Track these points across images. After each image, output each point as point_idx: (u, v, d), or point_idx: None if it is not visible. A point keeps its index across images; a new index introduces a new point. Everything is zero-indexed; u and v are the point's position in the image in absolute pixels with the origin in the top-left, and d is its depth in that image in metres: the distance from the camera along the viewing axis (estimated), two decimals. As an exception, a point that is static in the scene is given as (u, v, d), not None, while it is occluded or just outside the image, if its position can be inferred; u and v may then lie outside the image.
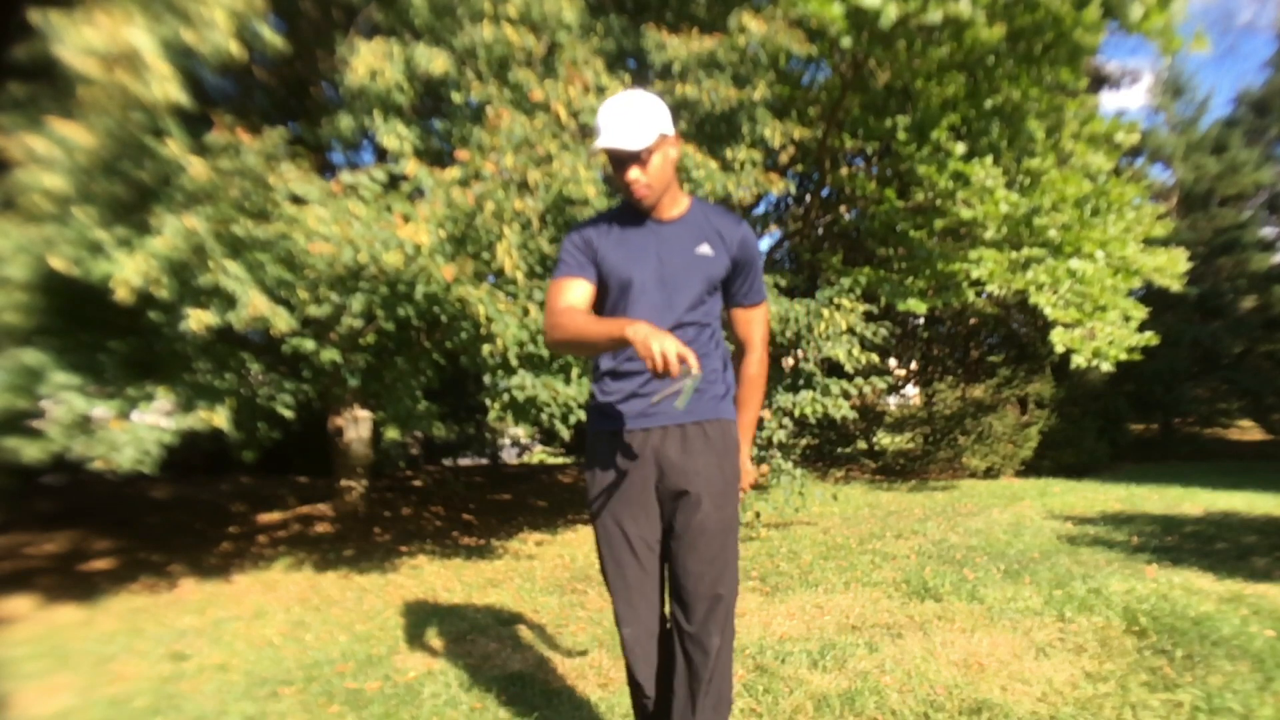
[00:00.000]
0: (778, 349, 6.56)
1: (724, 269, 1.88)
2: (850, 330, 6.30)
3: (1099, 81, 16.15)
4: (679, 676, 1.83)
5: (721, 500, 1.83)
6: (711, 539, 1.81)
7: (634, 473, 1.85)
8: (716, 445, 1.85)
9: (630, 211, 1.90)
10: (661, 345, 1.51)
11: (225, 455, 5.14)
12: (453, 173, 4.45)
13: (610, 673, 2.95)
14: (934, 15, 5.87)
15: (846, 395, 6.31)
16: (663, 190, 1.85)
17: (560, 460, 15.07)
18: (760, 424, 6.46)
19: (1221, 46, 37.68)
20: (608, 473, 1.87)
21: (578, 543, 6.24)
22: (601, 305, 1.91)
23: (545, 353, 4.82)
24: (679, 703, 1.83)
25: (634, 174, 1.80)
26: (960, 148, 7.12)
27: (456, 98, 5.29)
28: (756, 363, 2.00)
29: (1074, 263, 7.44)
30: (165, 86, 3.45)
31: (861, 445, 13.51)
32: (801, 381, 6.46)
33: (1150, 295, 10.36)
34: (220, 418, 4.10)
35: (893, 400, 14.39)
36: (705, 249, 1.86)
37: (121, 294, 3.50)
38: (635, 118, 1.78)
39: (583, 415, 4.98)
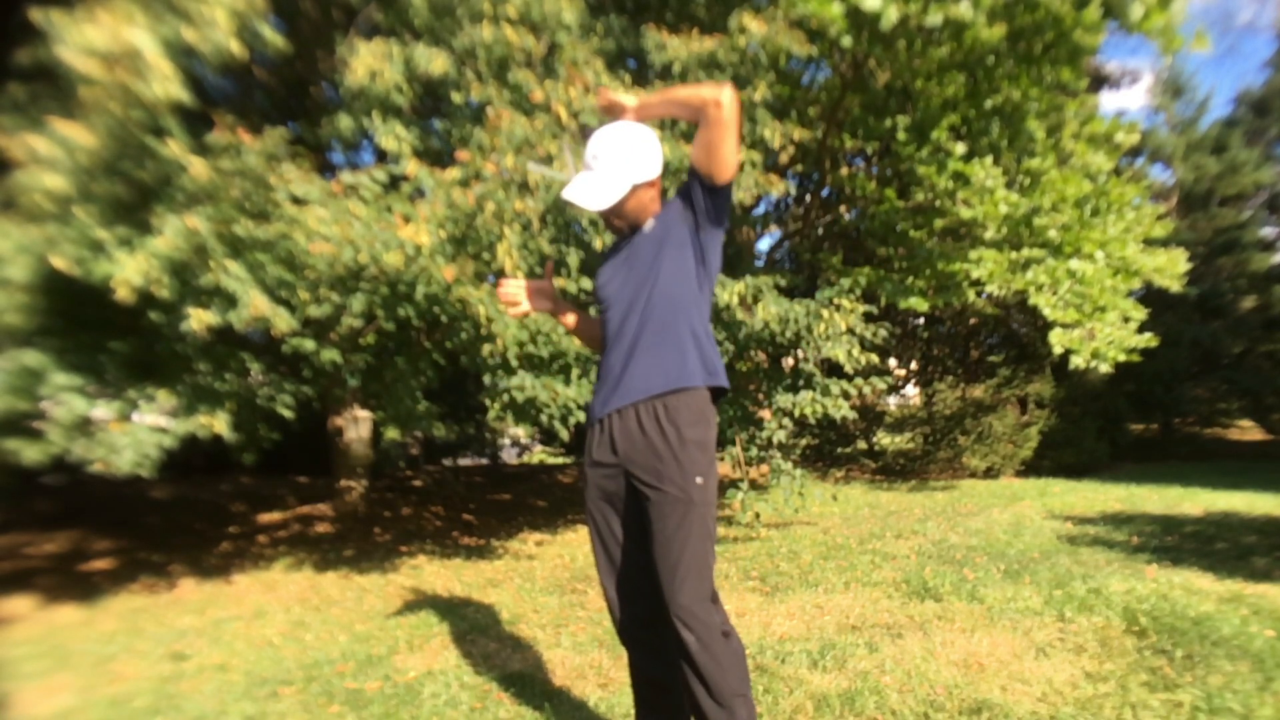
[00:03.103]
0: (777, 349, 6.57)
1: (672, 223, 1.89)
2: (850, 331, 6.30)
3: (1099, 81, 16.15)
4: (682, 674, 1.83)
5: (672, 489, 1.79)
6: (662, 534, 1.78)
7: (603, 462, 1.91)
8: (667, 427, 1.81)
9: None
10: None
11: (225, 455, 5.14)
12: (453, 173, 4.45)
13: (610, 673, 2.95)
14: (935, 18, 5.87)
15: (846, 395, 6.31)
16: (637, 222, 1.97)
17: (560, 460, 15.07)
18: (760, 424, 6.47)
19: (1221, 46, 37.72)
20: (587, 466, 1.97)
21: (578, 543, 6.24)
22: None
23: (545, 353, 4.82)
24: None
25: (608, 217, 1.97)
26: (960, 148, 7.13)
27: (456, 98, 5.29)
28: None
29: (1074, 263, 7.44)
30: (167, 86, 3.45)
31: (861, 445, 13.52)
32: (801, 382, 6.47)
33: (1150, 295, 10.37)
34: (221, 423, 4.10)
35: (893, 400, 14.39)
36: (649, 224, 1.94)
37: (122, 294, 3.50)
38: (606, 168, 1.89)
39: (582, 416, 4.98)
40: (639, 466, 1.84)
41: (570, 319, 2.18)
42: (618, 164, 1.89)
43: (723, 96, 1.71)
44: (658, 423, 1.83)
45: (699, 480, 1.81)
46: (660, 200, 2.01)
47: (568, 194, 1.91)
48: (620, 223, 1.96)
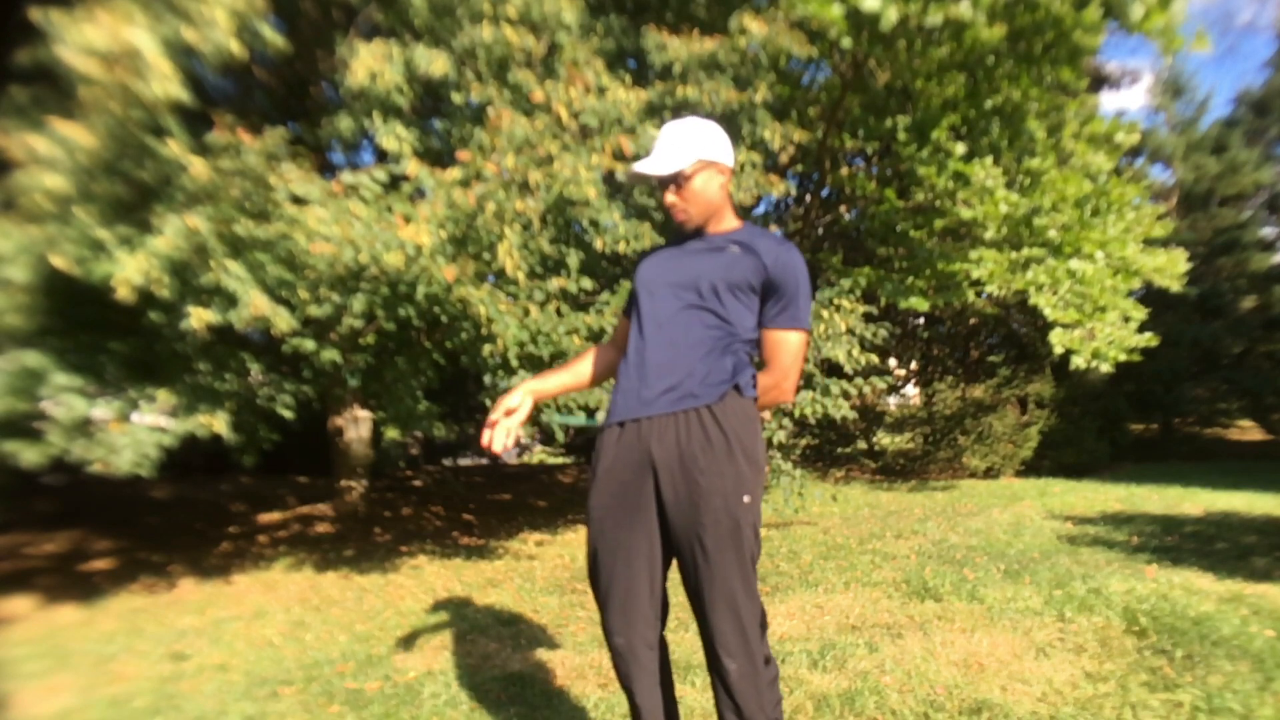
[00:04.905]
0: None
1: (751, 272, 1.76)
2: (850, 331, 6.31)
3: (1099, 81, 16.17)
4: (714, 692, 1.75)
5: (725, 506, 1.64)
6: (714, 554, 1.65)
7: (626, 471, 1.73)
8: (714, 434, 1.67)
9: (685, 234, 1.90)
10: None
11: (225, 455, 5.14)
12: (454, 173, 4.45)
13: (610, 673, 2.94)
14: (934, 18, 5.87)
15: (846, 395, 6.31)
16: (704, 215, 1.83)
17: (560, 460, 15.07)
18: (760, 424, 6.46)
19: (1221, 46, 37.79)
20: (601, 470, 1.77)
21: (578, 543, 6.24)
22: None
23: (545, 353, 4.83)
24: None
25: (670, 197, 1.83)
26: (960, 148, 7.13)
27: (457, 98, 5.29)
28: (772, 382, 1.81)
29: (1074, 263, 7.45)
30: (166, 85, 3.45)
31: (861, 445, 13.52)
32: (801, 382, 6.47)
33: (1150, 295, 10.38)
34: (220, 423, 4.10)
35: (893, 400, 14.40)
36: (734, 249, 1.79)
37: (123, 293, 3.50)
38: (673, 143, 1.81)
39: (583, 416, 4.99)
40: (674, 483, 1.67)
41: (553, 385, 2.01)
42: (682, 140, 1.81)
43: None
44: (704, 431, 1.67)
45: (746, 500, 1.65)
46: (736, 214, 1.91)
47: (636, 166, 1.82)
48: (685, 206, 1.81)
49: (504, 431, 1.87)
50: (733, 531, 1.64)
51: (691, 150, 1.80)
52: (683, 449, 1.67)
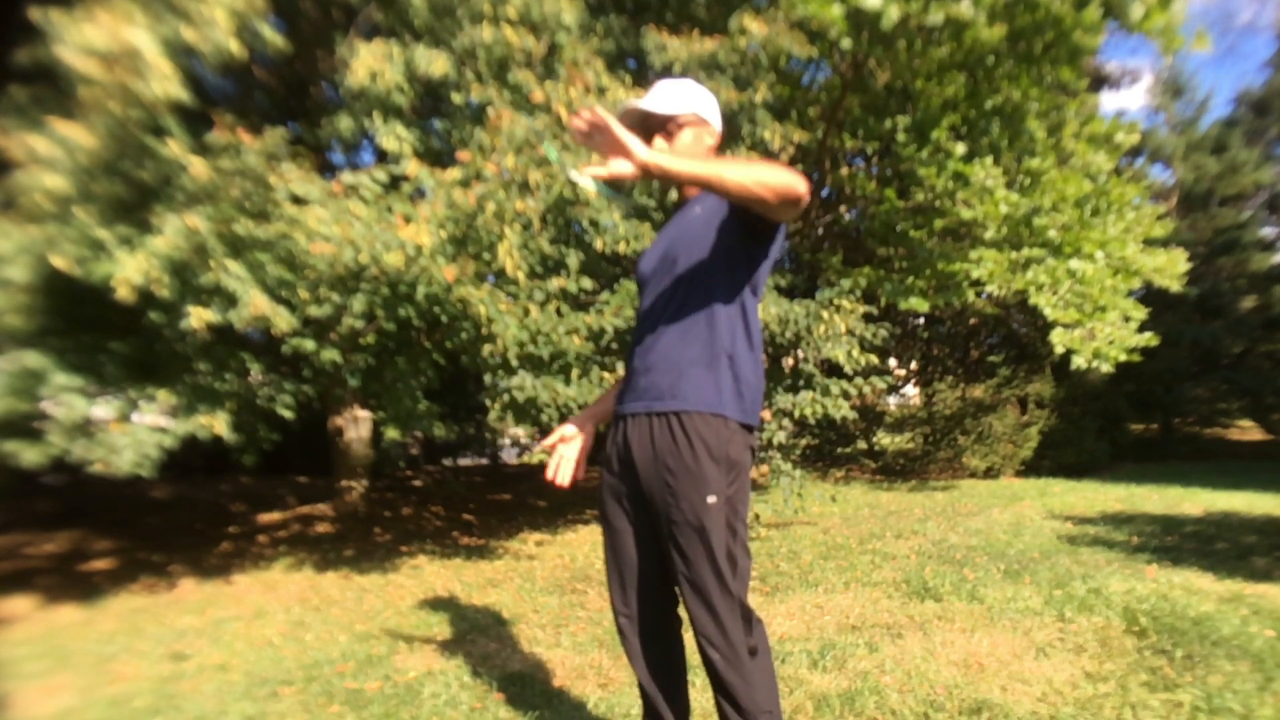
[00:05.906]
0: (777, 349, 6.57)
1: (718, 214, 1.71)
2: (850, 332, 6.30)
3: (1099, 81, 16.18)
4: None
5: (691, 508, 1.66)
6: (686, 550, 1.67)
7: (616, 463, 1.81)
8: (680, 440, 1.67)
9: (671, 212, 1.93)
10: None
11: (225, 455, 5.14)
12: (454, 173, 4.45)
13: (610, 673, 2.95)
14: (935, 17, 5.88)
15: (846, 396, 6.30)
16: None
17: (560, 460, 15.03)
18: (760, 425, 6.45)
19: (1221, 46, 37.78)
20: (602, 459, 1.86)
21: (578, 543, 6.24)
22: None
23: (545, 353, 4.83)
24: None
25: (658, 142, 1.78)
26: (960, 148, 7.13)
27: (457, 99, 5.29)
28: None
29: (1074, 263, 7.45)
30: (166, 85, 3.46)
31: (861, 445, 13.52)
32: (801, 382, 6.47)
33: (1150, 295, 10.38)
34: (221, 424, 4.10)
35: (893, 400, 14.41)
36: (696, 209, 1.79)
37: (123, 293, 3.50)
38: (672, 91, 1.81)
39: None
40: (650, 481, 1.71)
41: (608, 405, 2.01)
42: (682, 91, 1.81)
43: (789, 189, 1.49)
44: (671, 436, 1.68)
45: (711, 500, 1.65)
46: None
47: (632, 100, 1.78)
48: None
49: (568, 465, 1.94)
50: (700, 532, 1.66)
51: (689, 102, 1.81)
52: (656, 449, 1.70)
